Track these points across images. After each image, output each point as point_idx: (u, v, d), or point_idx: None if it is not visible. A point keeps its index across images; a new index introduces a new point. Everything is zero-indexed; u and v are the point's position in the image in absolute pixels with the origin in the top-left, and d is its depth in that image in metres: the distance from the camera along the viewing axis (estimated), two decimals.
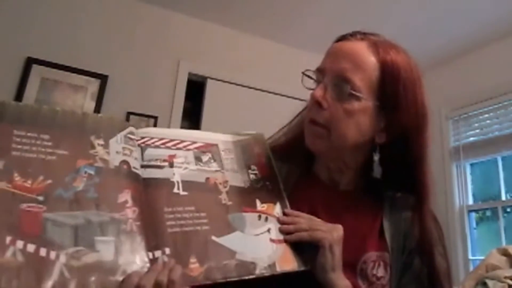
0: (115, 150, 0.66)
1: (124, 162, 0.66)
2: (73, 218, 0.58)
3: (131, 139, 0.69)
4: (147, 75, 2.80)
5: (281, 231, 0.71)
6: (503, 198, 2.80)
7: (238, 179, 0.75)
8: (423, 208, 0.77)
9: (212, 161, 0.74)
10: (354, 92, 0.72)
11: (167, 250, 0.62)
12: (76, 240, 0.57)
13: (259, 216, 0.72)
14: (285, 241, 0.70)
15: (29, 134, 0.61)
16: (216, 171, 0.74)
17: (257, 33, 3.15)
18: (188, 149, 0.74)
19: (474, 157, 2.98)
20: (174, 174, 0.70)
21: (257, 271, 0.65)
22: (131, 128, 0.71)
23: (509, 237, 2.65)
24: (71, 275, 0.54)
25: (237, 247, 0.66)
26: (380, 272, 0.74)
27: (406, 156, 0.77)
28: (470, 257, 2.85)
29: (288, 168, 0.84)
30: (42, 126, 0.63)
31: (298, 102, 0.87)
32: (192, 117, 3.01)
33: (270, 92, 3.03)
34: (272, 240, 0.69)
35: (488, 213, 2.94)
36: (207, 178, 0.72)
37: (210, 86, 2.97)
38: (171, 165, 0.70)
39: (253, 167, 0.77)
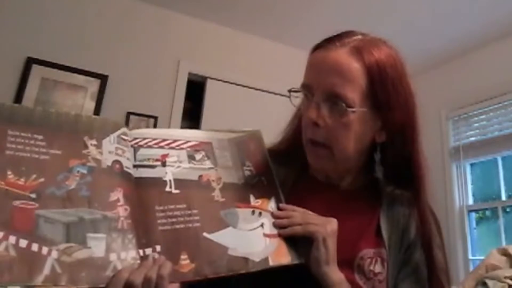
0: (108, 150, 0.68)
1: (117, 162, 0.67)
2: (65, 215, 0.59)
3: (123, 139, 0.71)
4: (147, 75, 2.80)
5: (275, 225, 0.71)
6: (503, 198, 2.80)
7: (232, 176, 0.75)
8: (420, 200, 0.77)
9: (205, 158, 0.75)
10: (348, 108, 0.71)
11: (158, 248, 0.63)
12: (68, 236, 0.58)
13: (253, 212, 0.72)
14: (279, 235, 0.70)
15: (22, 134, 0.63)
16: (210, 168, 0.75)
17: (257, 33, 3.15)
18: (182, 148, 0.75)
19: (474, 157, 2.98)
20: (166, 173, 0.71)
21: (249, 266, 0.66)
22: (124, 129, 0.72)
23: (509, 237, 2.66)
24: (62, 270, 0.55)
25: (229, 242, 0.67)
26: (378, 268, 0.74)
27: (403, 149, 0.78)
28: (470, 257, 2.85)
29: (286, 171, 0.84)
30: (36, 127, 0.64)
31: (298, 102, 0.87)
32: (192, 117, 3.01)
33: (270, 92, 3.04)
34: (265, 235, 0.70)
35: (488, 213, 2.94)
36: (200, 176, 0.73)
37: (210, 86, 2.97)
38: (164, 164, 0.71)
39: (247, 163, 0.78)
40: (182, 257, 0.63)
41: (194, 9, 2.92)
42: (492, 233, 2.86)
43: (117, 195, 0.64)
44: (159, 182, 0.69)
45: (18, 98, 2.41)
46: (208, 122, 2.86)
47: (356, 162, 0.80)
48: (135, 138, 0.72)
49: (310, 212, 0.72)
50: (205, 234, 0.67)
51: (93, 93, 2.61)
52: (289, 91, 0.79)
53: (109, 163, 0.66)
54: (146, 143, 0.73)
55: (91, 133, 0.68)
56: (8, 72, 2.44)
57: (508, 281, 1.54)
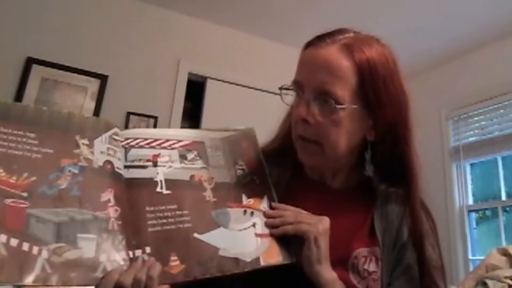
0: (100, 150, 0.68)
1: (108, 162, 0.67)
2: (56, 215, 0.59)
3: (115, 140, 0.71)
4: (147, 75, 2.80)
5: (267, 225, 0.71)
6: (503, 198, 2.80)
7: (224, 175, 0.75)
8: (412, 199, 0.77)
9: (197, 158, 0.75)
10: (338, 106, 0.71)
11: (148, 249, 0.63)
12: (59, 236, 0.58)
13: (245, 211, 0.72)
14: (271, 235, 0.70)
15: (15, 132, 0.63)
16: (202, 168, 0.74)
17: (257, 33, 3.15)
18: (173, 148, 0.75)
19: (474, 157, 2.98)
20: (157, 173, 0.70)
21: (239, 267, 0.66)
22: (115, 129, 0.72)
23: (509, 237, 2.65)
24: (52, 270, 0.55)
25: (220, 243, 0.67)
26: (372, 267, 0.74)
27: (395, 146, 0.77)
28: (470, 257, 2.85)
29: (279, 171, 0.84)
30: (29, 125, 0.64)
31: (291, 100, 0.87)
32: (192, 117, 3.01)
33: (270, 92, 3.03)
34: (257, 235, 0.70)
35: (488, 213, 2.94)
36: (192, 176, 0.73)
37: (210, 86, 2.97)
38: (155, 164, 0.71)
39: (240, 162, 0.78)
40: (172, 258, 0.63)
41: (194, 9, 2.92)
42: (492, 233, 2.86)
43: (108, 195, 0.64)
44: (150, 183, 0.69)
45: (18, 98, 2.41)
46: (208, 122, 2.86)
47: (347, 160, 0.79)
48: (127, 139, 0.72)
49: (302, 211, 0.72)
50: (195, 234, 0.67)
51: (93, 93, 2.61)
52: (280, 88, 0.79)
53: (101, 163, 0.66)
54: (137, 143, 0.73)
55: (83, 132, 0.68)
56: (8, 72, 2.45)
57: (508, 281, 1.54)
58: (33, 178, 0.60)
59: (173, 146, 0.75)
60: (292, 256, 0.69)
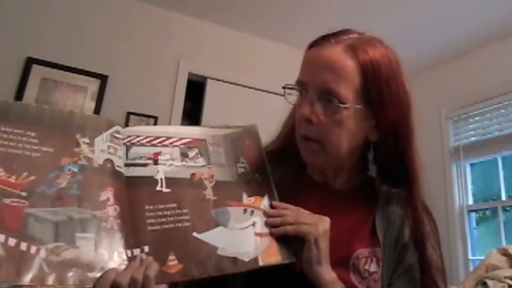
0: (100, 149, 0.67)
1: (108, 160, 0.67)
2: (54, 214, 0.59)
3: (116, 137, 0.70)
4: (147, 75, 2.80)
5: (267, 224, 0.71)
6: (503, 198, 2.80)
7: (225, 173, 0.75)
8: (414, 200, 0.77)
9: (198, 156, 0.75)
10: (341, 105, 0.71)
11: (146, 248, 0.63)
12: (57, 235, 0.58)
13: (245, 210, 0.72)
14: (271, 234, 0.70)
15: (15, 130, 0.63)
16: (203, 166, 0.74)
17: (257, 33, 3.15)
18: (174, 146, 0.74)
19: (474, 157, 2.98)
20: (158, 171, 0.70)
21: (238, 267, 0.66)
22: (117, 127, 0.71)
23: (509, 237, 2.65)
24: (50, 269, 0.55)
25: (219, 242, 0.67)
26: (373, 267, 0.74)
27: (396, 147, 0.77)
28: (470, 257, 2.85)
29: (282, 171, 0.84)
30: (29, 123, 0.64)
31: (294, 99, 0.87)
32: (192, 117, 3.01)
33: (270, 92, 3.03)
34: (256, 234, 0.70)
35: (488, 213, 2.94)
36: (193, 174, 0.72)
37: (210, 86, 2.97)
38: (156, 162, 0.71)
39: (242, 160, 0.77)
40: (170, 257, 0.63)
41: (194, 9, 2.92)
42: (492, 233, 2.86)
43: (108, 194, 0.64)
44: (150, 181, 0.69)
45: (18, 98, 2.41)
46: (208, 122, 2.86)
47: (349, 160, 0.80)
48: (128, 136, 0.72)
49: (303, 210, 0.72)
50: (194, 234, 0.66)
51: (93, 93, 2.61)
52: (284, 87, 0.79)
53: (101, 162, 0.66)
54: (138, 141, 0.72)
55: (84, 131, 0.68)
56: (8, 72, 2.45)
57: (508, 281, 1.54)
58: (33, 177, 0.60)
59: (174, 143, 0.74)
60: (291, 256, 0.69)
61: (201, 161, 0.74)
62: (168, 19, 2.95)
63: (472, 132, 3.03)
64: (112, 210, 0.63)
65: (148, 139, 0.73)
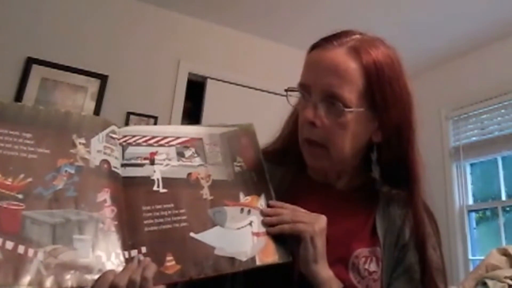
0: (96, 149, 0.67)
1: (105, 161, 0.67)
2: (51, 216, 0.59)
3: (112, 138, 0.70)
4: (147, 75, 2.80)
5: (264, 223, 0.71)
6: (503, 198, 2.80)
7: (222, 173, 0.74)
8: (415, 201, 0.77)
9: (195, 155, 0.74)
10: (346, 109, 0.71)
11: (143, 249, 0.63)
12: (54, 238, 0.58)
13: (242, 209, 0.72)
14: (268, 233, 0.70)
15: (11, 132, 0.62)
16: (199, 165, 0.74)
17: (257, 33, 3.15)
18: (171, 145, 0.74)
19: (474, 157, 2.98)
20: (154, 171, 0.70)
21: (235, 266, 0.66)
22: (113, 127, 0.71)
23: (509, 237, 2.65)
24: (47, 272, 0.55)
25: (216, 242, 0.67)
26: (372, 267, 0.74)
27: (399, 148, 0.77)
28: (470, 257, 2.85)
29: (283, 171, 0.85)
30: (25, 125, 0.64)
31: (295, 101, 0.87)
32: (192, 117, 3.01)
33: (270, 92, 3.04)
34: (253, 233, 0.70)
35: (488, 213, 2.94)
36: (189, 174, 0.72)
37: (210, 86, 2.97)
38: (152, 162, 0.71)
39: (239, 159, 0.77)
40: (168, 258, 0.63)
41: (194, 9, 2.92)
42: (492, 233, 2.86)
43: (104, 195, 0.64)
44: (147, 181, 0.69)
45: (18, 98, 2.41)
46: (208, 122, 2.85)
47: (352, 161, 0.80)
48: (124, 136, 0.72)
49: (299, 209, 0.72)
50: (191, 234, 0.66)
51: (93, 93, 2.61)
52: (286, 90, 0.79)
53: (97, 163, 0.66)
54: (135, 140, 0.72)
55: (80, 131, 0.67)
56: (8, 72, 2.45)
57: (508, 281, 1.54)
58: (29, 180, 0.60)
59: (170, 143, 0.74)
60: (289, 255, 0.69)
61: (197, 160, 0.74)
62: (168, 19, 2.95)
63: (472, 132, 3.03)
64: (109, 212, 0.63)
65: (144, 138, 0.73)
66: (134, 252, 0.62)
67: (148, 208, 0.66)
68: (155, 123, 2.72)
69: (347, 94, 0.71)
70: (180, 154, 0.74)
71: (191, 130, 0.78)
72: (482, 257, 2.04)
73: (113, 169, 0.67)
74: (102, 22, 2.76)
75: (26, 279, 0.54)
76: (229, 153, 0.77)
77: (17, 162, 0.60)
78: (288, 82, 0.79)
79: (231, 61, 3.07)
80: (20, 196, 0.58)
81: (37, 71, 2.50)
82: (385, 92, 0.73)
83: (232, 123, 0.82)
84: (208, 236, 0.67)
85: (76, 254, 0.58)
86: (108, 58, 2.72)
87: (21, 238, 0.56)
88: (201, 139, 0.77)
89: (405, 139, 0.77)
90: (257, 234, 0.70)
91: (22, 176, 0.60)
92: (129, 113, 2.67)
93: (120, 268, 0.59)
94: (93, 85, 2.63)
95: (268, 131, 0.89)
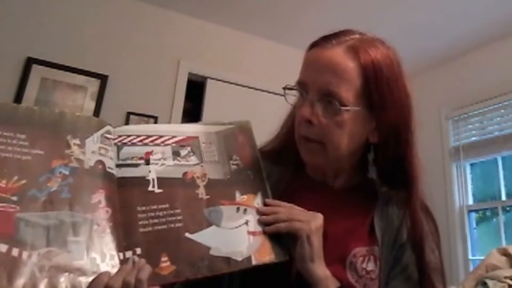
0: (91, 150, 0.66)
1: (100, 162, 0.66)
2: (46, 219, 0.58)
3: (107, 138, 0.69)
4: (147, 75, 2.80)
5: (260, 222, 0.71)
6: (503, 198, 2.80)
7: (218, 171, 0.74)
8: (413, 199, 0.77)
9: (191, 154, 0.74)
10: (342, 107, 0.71)
11: (138, 250, 0.62)
12: (49, 240, 0.57)
13: (238, 208, 0.71)
14: (264, 232, 0.70)
15: (5, 133, 0.62)
16: (195, 164, 0.73)
17: (257, 33, 3.15)
18: (167, 144, 0.73)
19: (474, 157, 2.98)
20: (149, 171, 0.69)
21: (231, 266, 0.65)
22: (108, 127, 0.70)
23: (509, 237, 2.65)
24: (41, 275, 0.55)
25: (212, 242, 0.66)
26: (370, 266, 0.74)
27: (396, 149, 0.77)
28: (470, 257, 2.85)
29: (280, 170, 0.84)
30: (19, 125, 0.63)
31: (294, 100, 0.87)
32: (192, 117, 3.01)
33: (270, 92, 3.03)
34: (249, 233, 0.69)
35: (488, 213, 2.94)
36: (185, 173, 0.72)
37: (210, 86, 2.97)
38: (147, 162, 0.70)
39: (235, 157, 0.76)
40: (163, 259, 0.63)
41: (194, 9, 2.92)
42: (492, 233, 2.86)
43: (99, 197, 0.63)
44: (142, 182, 0.68)
45: (18, 98, 2.41)
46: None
47: (349, 161, 0.80)
48: (120, 136, 0.71)
49: (296, 207, 0.72)
50: (187, 234, 0.66)
51: (93, 93, 2.61)
52: (284, 88, 0.79)
53: (92, 164, 0.65)
54: (130, 140, 0.71)
55: (74, 132, 0.67)
56: (8, 72, 2.45)
57: (508, 281, 1.54)
58: (23, 181, 0.59)
59: (166, 142, 0.73)
60: (285, 254, 0.69)
61: (193, 159, 0.73)
62: (168, 19, 2.95)
63: (472, 132, 3.03)
64: (103, 213, 0.62)
65: (140, 138, 0.72)
66: (129, 253, 0.62)
67: (143, 208, 0.66)
68: (155, 123, 2.72)
69: (345, 93, 0.71)
70: (176, 153, 0.73)
71: (187, 129, 0.77)
72: (482, 257, 2.03)
73: (108, 169, 0.67)
74: (102, 22, 2.76)
75: (20, 282, 0.53)
76: (226, 151, 0.76)
77: (11, 164, 0.60)
78: (287, 82, 0.79)
79: (231, 61, 3.07)
80: (14, 198, 0.58)
81: (37, 71, 2.50)
82: (383, 92, 0.73)
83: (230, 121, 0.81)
84: (203, 236, 0.67)
85: (71, 257, 0.57)
86: (108, 58, 2.72)
87: (15, 241, 0.55)
88: (197, 137, 0.76)
89: (402, 141, 0.77)
90: (253, 233, 0.69)
91: (16, 178, 0.59)
92: (129, 113, 2.67)
93: (115, 270, 0.59)
94: (93, 85, 2.63)
95: (268, 131, 0.89)
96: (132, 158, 0.70)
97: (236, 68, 3.06)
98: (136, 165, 0.69)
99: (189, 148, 0.74)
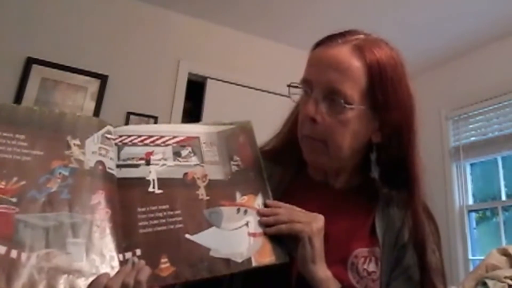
0: (91, 150, 0.66)
1: (100, 162, 0.66)
2: (45, 220, 0.58)
3: (108, 138, 0.69)
4: (147, 75, 2.80)
5: (261, 223, 0.70)
6: (503, 198, 2.80)
7: (218, 172, 0.73)
8: (414, 202, 0.77)
9: (192, 155, 0.73)
10: (347, 105, 0.71)
11: (138, 251, 0.62)
12: (48, 242, 0.57)
13: (238, 210, 0.71)
14: (265, 233, 0.69)
15: (5, 134, 0.61)
16: (196, 165, 0.72)
17: (257, 33, 3.15)
18: (167, 145, 0.73)
19: (474, 157, 2.98)
20: (150, 172, 0.69)
21: (231, 268, 0.65)
22: (108, 127, 0.70)
23: (509, 237, 2.65)
24: (40, 277, 0.54)
25: (212, 243, 0.66)
26: (371, 267, 0.74)
27: (399, 150, 0.77)
28: (470, 257, 2.84)
29: (282, 170, 0.84)
30: (18, 126, 0.63)
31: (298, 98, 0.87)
32: (192, 117, 3.01)
33: (270, 92, 3.04)
34: (250, 234, 0.69)
35: (488, 213, 2.94)
36: (185, 174, 0.71)
37: (210, 86, 2.97)
38: (148, 163, 0.69)
39: (235, 157, 0.76)
40: (162, 260, 0.62)
41: (194, 9, 2.92)
42: (492, 233, 2.86)
43: (99, 198, 0.63)
44: (142, 182, 0.68)
45: (18, 98, 2.41)
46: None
47: (351, 160, 0.80)
48: (120, 136, 0.70)
49: (296, 208, 0.72)
50: (187, 235, 0.66)
51: (93, 93, 2.61)
52: (289, 86, 0.79)
53: (92, 164, 0.65)
54: (131, 140, 0.71)
55: (74, 132, 0.66)
56: (8, 72, 2.44)
57: (508, 281, 1.54)
58: (23, 183, 0.59)
59: (167, 142, 0.73)
60: (286, 255, 0.69)
61: (194, 160, 0.73)
62: (168, 19, 2.95)
63: (472, 132, 3.03)
64: (103, 214, 0.62)
65: (140, 138, 0.72)
66: (128, 255, 0.61)
67: (143, 209, 0.65)
68: (155, 123, 2.72)
69: (349, 91, 0.71)
70: (177, 154, 0.72)
71: (188, 129, 0.76)
72: (482, 257, 2.03)
73: (108, 170, 0.66)
74: (102, 22, 2.76)
75: (19, 283, 0.53)
76: (226, 152, 0.76)
77: (10, 165, 0.59)
78: (287, 82, 0.79)
79: (231, 61, 3.06)
80: (13, 199, 0.57)
81: (37, 71, 2.50)
82: (387, 92, 0.73)
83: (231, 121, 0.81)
84: (203, 237, 0.66)
85: (70, 258, 0.57)
86: (108, 58, 2.71)
87: (14, 242, 0.55)
88: (198, 137, 0.75)
89: (405, 141, 0.77)
90: (253, 235, 0.69)
91: (15, 179, 0.59)
92: (129, 113, 2.67)
93: (115, 271, 0.59)
94: (93, 85, 2.62)
95: (268, 131, 0.89)
96: (133, 158, 0.69)
97: (236, 68, 3.06)
98: (136, 166, 0.69)
99: (190, 149, 0.74)
